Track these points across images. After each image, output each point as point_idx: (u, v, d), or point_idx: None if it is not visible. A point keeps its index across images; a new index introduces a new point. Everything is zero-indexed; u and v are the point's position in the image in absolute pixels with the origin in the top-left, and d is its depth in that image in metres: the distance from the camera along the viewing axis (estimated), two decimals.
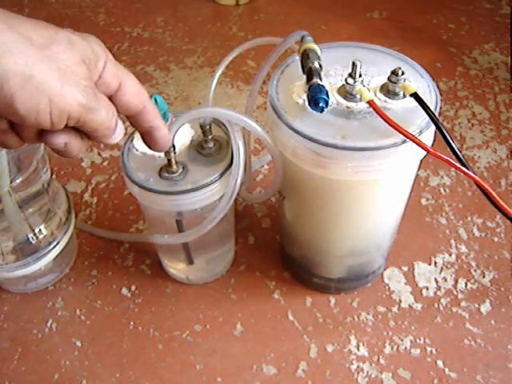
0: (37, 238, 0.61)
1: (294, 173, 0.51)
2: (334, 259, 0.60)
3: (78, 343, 0.62)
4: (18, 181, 0.56)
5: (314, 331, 0.61)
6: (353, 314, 0.63)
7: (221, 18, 1.12)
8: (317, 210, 0.54)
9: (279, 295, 0.64)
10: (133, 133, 0.55)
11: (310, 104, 0.46)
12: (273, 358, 0.59)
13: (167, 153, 0.50)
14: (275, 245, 0.69)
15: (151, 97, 0.51)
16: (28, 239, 0.60)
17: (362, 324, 0.62)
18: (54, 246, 0.62)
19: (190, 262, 0.62)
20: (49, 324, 0.63)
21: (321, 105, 0.45)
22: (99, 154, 0.83)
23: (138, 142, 0.54)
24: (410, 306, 0.63)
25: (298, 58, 0.51)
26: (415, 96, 0.45)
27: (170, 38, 1.06)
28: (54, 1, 1.18)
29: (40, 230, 0.61)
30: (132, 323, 0.63)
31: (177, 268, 0.65)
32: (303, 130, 0.45)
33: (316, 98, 0.45)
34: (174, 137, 0.51)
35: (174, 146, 0.50)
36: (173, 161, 0.51)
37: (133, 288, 0.66)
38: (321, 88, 0.46)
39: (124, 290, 0.66)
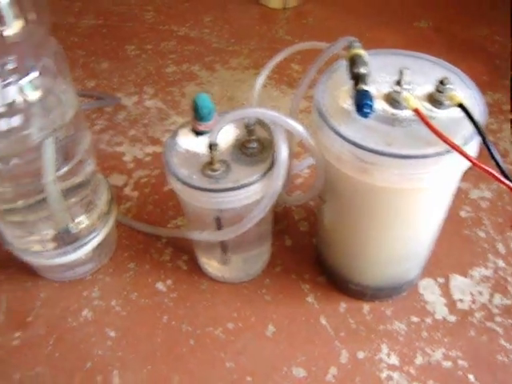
0: (77, 227, 0.62)
1: (336, 177, 0.52)
2: (371, 266, 0.60)
3: (112, 334, 0.62)
4: (63, 170, 0.57)
5: (346, 337, 0.61)
6: (386, 322, 0.62)
7: (268, 21, 1.12)
8: (356, 215, 0.54)
9: (313, 299, 0.64)
10: (177, 129, 0.56)
11: (355, 109, 0.46)
12: (303, 360, 0.59)
13: (211, 151, 0.51)
14: (311, 248, 0.70)
15: (197, 96, 0.52)
16: (68, 228, 0.61)
17: (395, 333, 0.62)
18: (94, 237, 0.63)
19: (226, 260, 0.63)
20: (84, 313, 0.64)
21: (366, 110, 0.45)
22: (142, 150, 0.84)
23: (182, 139, 0.55)
24: (443, 317, 0.63)
25: (345, 63, 0.51)
26: (461, 106, 0.45)
27: (216, 38, 1.06)
28: None
29: (81, 220, 0.63)
30: (166, 317, 0.63)
31: (213, 266, 0.65)
32: (348, 134, 0.46)
33: (362, 103, 0.45)
34: (217, 135, 0.51)
35: (217, 145, 0.51)
36: (216, 159, 0.51)
37: (168, 282, 0.67)
38: (367, 94, 0.46)
39: (160, 284, 0.66)
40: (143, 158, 0.83)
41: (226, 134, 0.55)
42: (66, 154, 0.58)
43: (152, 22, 1.13)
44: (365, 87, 0.47)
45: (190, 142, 0.55)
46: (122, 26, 1.13)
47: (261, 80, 0.64)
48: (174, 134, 0.56)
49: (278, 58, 0.63)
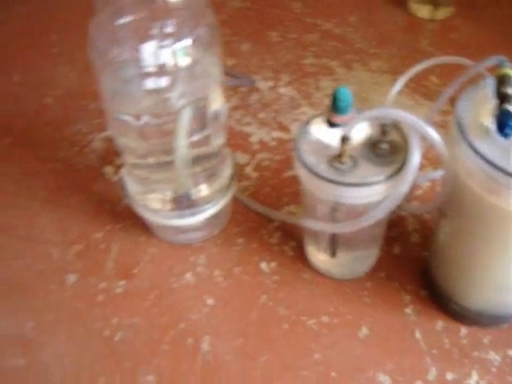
0: (197, 195, 0.64)
1: (464, 194, 0.51)
2: (481, 290, 0.58)
3: (210, 301, 0.64)
4: (196, 138, 0.59)
5: (437, 355, 0.60)
6: (481, 349, 0.61)
7: (413, 30, 1.11)
8: (479, 236, 0.53)
9: (411, 311, 0.64)
10: (311, 118, 0.57)
11: (496, 129, 0.45)
12: (391, 369, 0.59)
13: (342, 144, 0.51)
14: (419, 261, 0.69)
15: (337, 88, 0.53)
16: (188, 194, 0.64)
17: (488, 362, 0.60)
18: (211, 207, 0.65)
19: (333, 254, 0.63)
20: (187, 276, 0.67)
21: (508, 131, 0.45)
22: (269, 134, 0.86)
23: (314, 128, 0.56)
24: None
25: (491, 82, 0.50)
26: None
27: (359, 38, 1.06)
28: None
29: (202, 188, 0.65)
30: (264, 297, 0.65)
31: (319, 257, 0.66)
32: (485, 152, 0.45)
33: (504, 123, 0.45)
34: (352, 130, 0.52)
35: (350, 139, 0.51)
36: (345, 153, 0.52)
37: (273, 265, 0.68)
38: (511, 115, 0.45)
39: (264, 265, 0.68)
40: (269, 141, 0.85)
41: (360, 131, 0.55)
42: (201, 122, 0.60)
43: (298, 12, 1.15)
44: (510, 108, 0.46)
45: (322, 133, 0.56)
46: (268, 11, 1.15)
47: (398, 86, 0.65)
48: (308, 122, 0.57)
49: (419, 67, 0.63)
